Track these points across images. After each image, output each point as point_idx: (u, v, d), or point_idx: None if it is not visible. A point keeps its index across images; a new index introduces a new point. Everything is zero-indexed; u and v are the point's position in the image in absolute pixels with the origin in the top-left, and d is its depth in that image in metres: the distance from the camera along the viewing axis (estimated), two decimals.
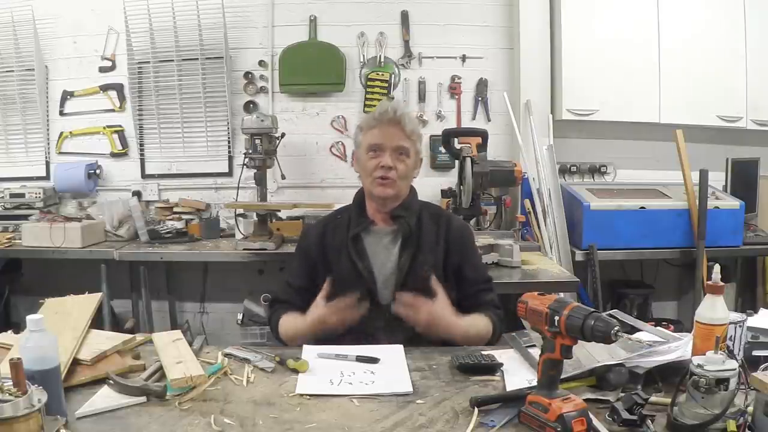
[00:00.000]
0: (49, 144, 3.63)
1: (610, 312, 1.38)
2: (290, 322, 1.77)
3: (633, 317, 1.54)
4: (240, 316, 3.14)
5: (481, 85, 3.59)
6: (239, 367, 1.43)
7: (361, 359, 1.47)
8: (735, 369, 1.06)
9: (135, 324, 3.34)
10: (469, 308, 1.81)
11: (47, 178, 3.61)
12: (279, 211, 3.29)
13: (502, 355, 1.48)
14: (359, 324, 1.72)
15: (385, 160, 1.75)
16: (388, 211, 1.82)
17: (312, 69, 3.46)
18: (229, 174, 3.61)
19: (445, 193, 3.41)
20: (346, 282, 1.76)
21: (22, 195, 3.40)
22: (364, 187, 1.85)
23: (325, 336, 1.69)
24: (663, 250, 3.21)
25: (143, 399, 1.24)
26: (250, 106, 3.57)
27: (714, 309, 1.21)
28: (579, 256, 3.15)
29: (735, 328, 1.27)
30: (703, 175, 3.07)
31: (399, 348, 1.56)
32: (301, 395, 1.28)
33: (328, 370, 1.41)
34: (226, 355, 1.50)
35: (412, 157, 1.80)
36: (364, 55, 3.56)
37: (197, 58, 3.51)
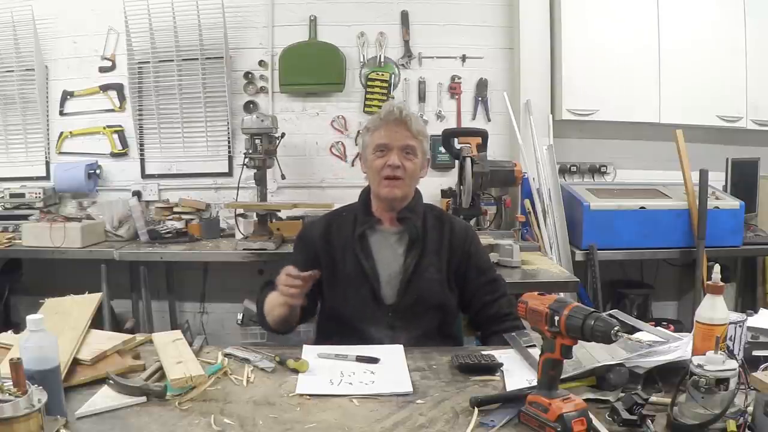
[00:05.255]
0: (49, 144, 3.63)
1: (610, 312, 1.37)
2: (269, 298, 1.71)
3: (633, 317, 1.53)
4: (240, 316, 3.15)
5: (481, 85, 3.59)
6: (239, 367, 1.43)
7: (361, 359, 1.46)
8: (735, 369, 1.06)
9: (135, 324, 3.34)
10: (486, 316, 1.81)
11: (47, 178, 3.61)
12: (279, 211, 3.29)
13: (502, 355, 1.48)
14: (361, 323, 1.73)
15: (392, 159, 1.74)
16: (395, 212, 1.82)
17: (312, 69, 3.46)
18: (229, 174, 3.61)
19: (445, 193, 3.42)
20: (350, 280, 1.76)
21: (22, 195, 3.41)
22: (371, 188, 1.84)
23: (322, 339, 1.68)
24: (663, 250, 3.21)
25: (143, 399, 1.24)
26: (250, 106, 3.57)
27: (714, 309, 1.21)
28: (579, 256, 3.15)
29: (735, 328, 1.27)
30: (703, 175, 3.07)
31: (399, 348, 1.56)
32: (301, 395, 1.28)
33: (328, 370, 1.41)
34: (226, 355, 1.50)
35: (419, 156, 1.80)
36: (364, 55, 3.56)
37: (197, 58, 3.51)
